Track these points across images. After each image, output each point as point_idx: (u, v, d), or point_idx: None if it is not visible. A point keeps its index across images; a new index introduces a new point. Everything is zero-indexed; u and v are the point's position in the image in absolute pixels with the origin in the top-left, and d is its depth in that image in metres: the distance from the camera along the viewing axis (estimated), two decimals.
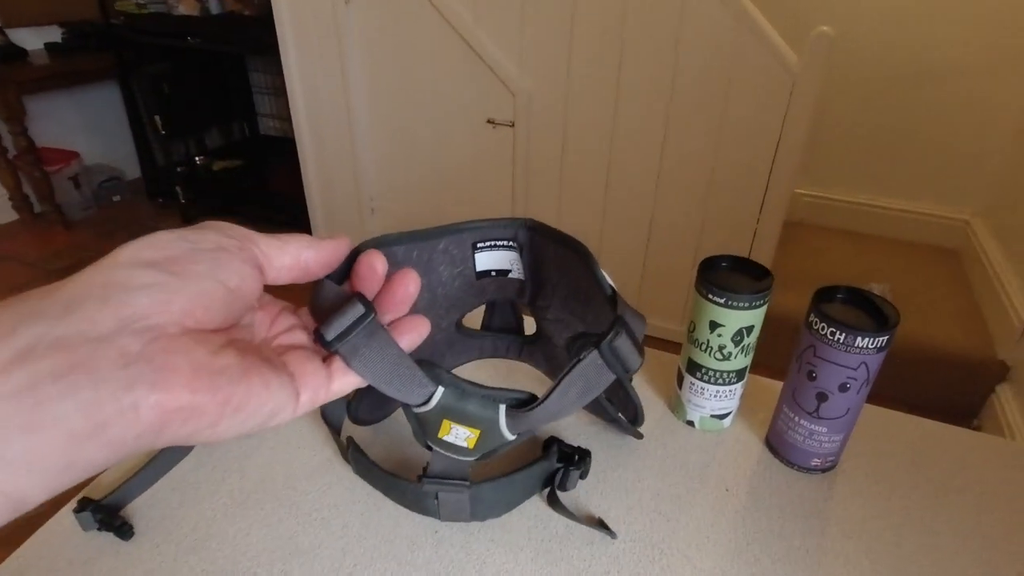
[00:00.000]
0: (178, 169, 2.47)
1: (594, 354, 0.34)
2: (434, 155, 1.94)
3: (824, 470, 0.48)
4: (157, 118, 2.33)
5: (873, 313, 0.44)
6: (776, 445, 0.50)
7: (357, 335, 0.25)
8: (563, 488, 0.45)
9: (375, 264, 0.28)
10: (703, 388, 0.50)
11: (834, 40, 1.32)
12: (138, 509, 0.44)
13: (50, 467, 0.17)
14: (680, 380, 0.52)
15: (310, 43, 1.91)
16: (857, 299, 0.45)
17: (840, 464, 0.50)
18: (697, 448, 0.51)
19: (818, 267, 1.85)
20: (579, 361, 0.34)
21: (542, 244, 0.47)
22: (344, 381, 0.26)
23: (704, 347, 0.48)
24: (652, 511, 0.45)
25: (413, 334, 0.29)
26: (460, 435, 0.36)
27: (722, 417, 0.52)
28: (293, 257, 0.26)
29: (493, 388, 0.36)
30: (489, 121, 1.78)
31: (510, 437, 0.36)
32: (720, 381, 0.49)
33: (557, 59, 1.61)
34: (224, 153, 2.69)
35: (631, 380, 0.47)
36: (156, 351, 0.19)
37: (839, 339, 0.42)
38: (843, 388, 0.43)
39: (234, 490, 0.46)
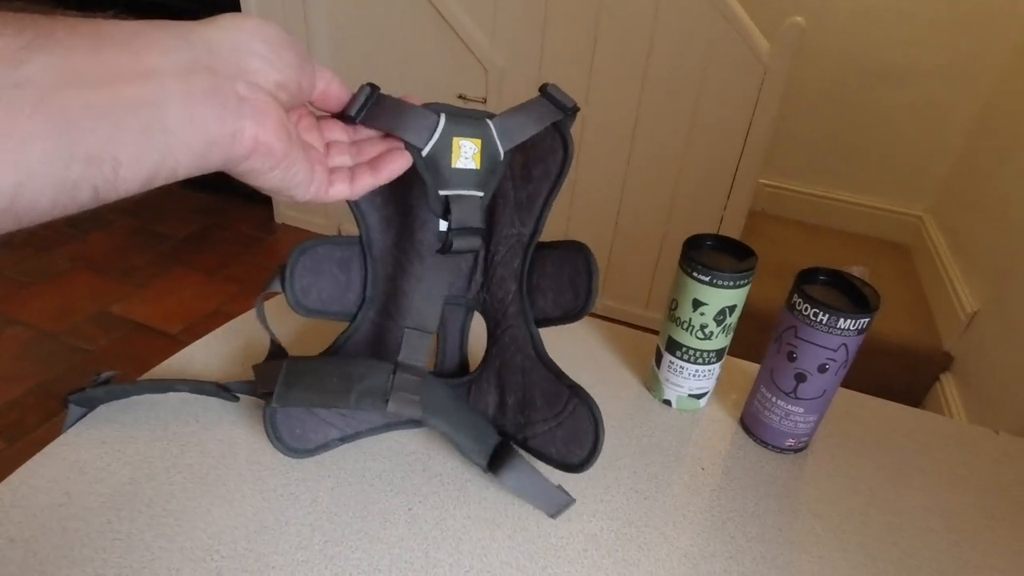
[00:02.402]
0: None
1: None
2: None
3: (797, 450, 0.49)
4: None
5: (853, 296, 0.44)
6: (751, 425, 0.50)
7: (371, 106, 0.35)
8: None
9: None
10: (682, 367, 0.50)
11: (804, 30, 1.33)
12: (85, 484, 0.41)
13: (193, 152, 0.24)
14: (659, 359, 0.52)
15: (273, 11, 1.83)
16: (838, 282, 0.45)
17: (811, 444, 0.50)
18: (673, 428, 0.51)
19: (776, 256, 1.90)
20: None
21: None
22: (338, 189, 0.33)
23: (686, 326, 0.48)
24: (629, 489, 0.45)
25: (394, 165, 0.35)
26: (468, 151, 0.38)
27: (699, 397, 0.51)
28: (326, 83, 0.33)
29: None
30: (460, 96, 1.74)
31: (503, 152, 0.39)
32: (700, 360, 0.49)
33: (531, 35, 1.58)
34: None
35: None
36: (259, 100, 0.26)
37: (821, 320, 0.42)
38: (822, 369, 0.44)
39: (193, 465, 0.43)
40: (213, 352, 0.55)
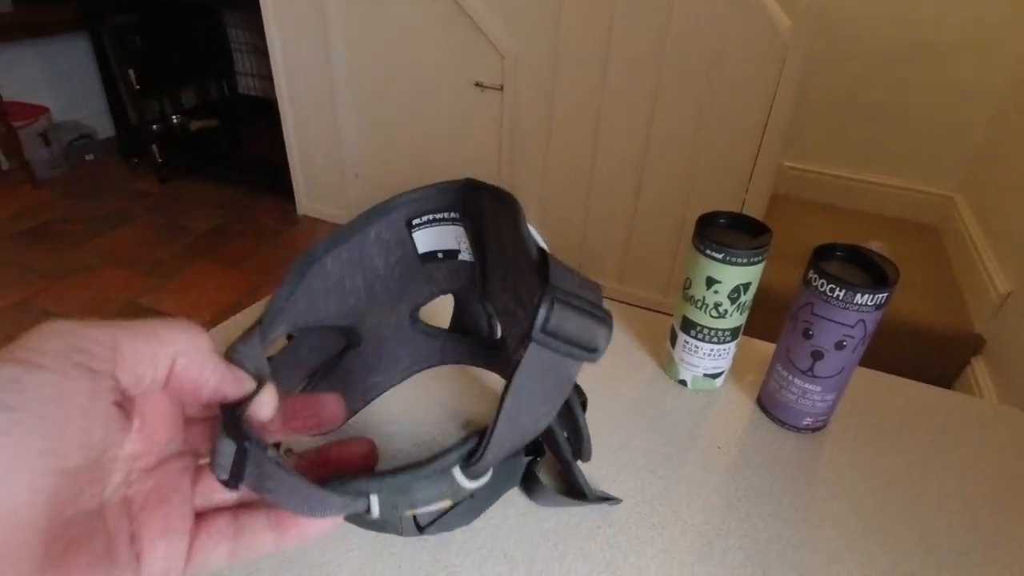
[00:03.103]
0: (153, 127, 2.39)
1: (532, 348, 0.26)
2: (419, 119, 1.89)
3: (815, 430, 0.48)
4: (131, 72, 2.23)
5: (872, 271, 0.43)
6: (768, 405, 0.49)
7: (249, 474, 0.21)
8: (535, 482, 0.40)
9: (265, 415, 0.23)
10: (697, 347, 0.49)
11: (825, 8, 1.30)
12: None
13: None
14: (673, 339, 0.51)
15: (290, 1, 1.84)
16: (856, 257, 0.44)
17: (830, 424, 0.49)
18: (688, 408, 0.51)
19: (801, 240, 1.86)
20: (517, 365, 0.26)
21: (480, 208, 0.39)
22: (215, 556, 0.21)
23: (700, 304, 0.47)
24: (643, 469, 0.45)
25: (310, 528, 0.23)
26: (433, 511, 0.31)
27: (715, 376, 0.51)
28: (167, 369, 0.19)
29: (437, 455, 0.28)
30: (477, 84, 1.74)
31: (471, 486, 0.30)
32: (715, 339, 0.48)
33: (546, 19, 1.57)
34: (201, 112, 2.60)
35: (583, 405, 0.39)
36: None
37: (838, 296, 0.41)
38: (839, 346, 0.43)
39: None
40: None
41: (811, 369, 0.45)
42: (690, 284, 0.48)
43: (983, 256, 1.59)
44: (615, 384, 0.52)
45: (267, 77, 2.16)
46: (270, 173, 2.32)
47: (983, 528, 0.42)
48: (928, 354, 1.53)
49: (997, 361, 1.42)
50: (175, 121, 2.52)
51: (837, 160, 2.02)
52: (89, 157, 2.62)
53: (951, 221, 1.87)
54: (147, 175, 2.49)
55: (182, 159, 2.51)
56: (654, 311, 0.62)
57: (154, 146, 2.39)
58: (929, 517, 0.43)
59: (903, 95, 1.83)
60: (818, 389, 0.45)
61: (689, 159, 1.59)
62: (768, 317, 0.72)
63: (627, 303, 0.62)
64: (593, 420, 0.48)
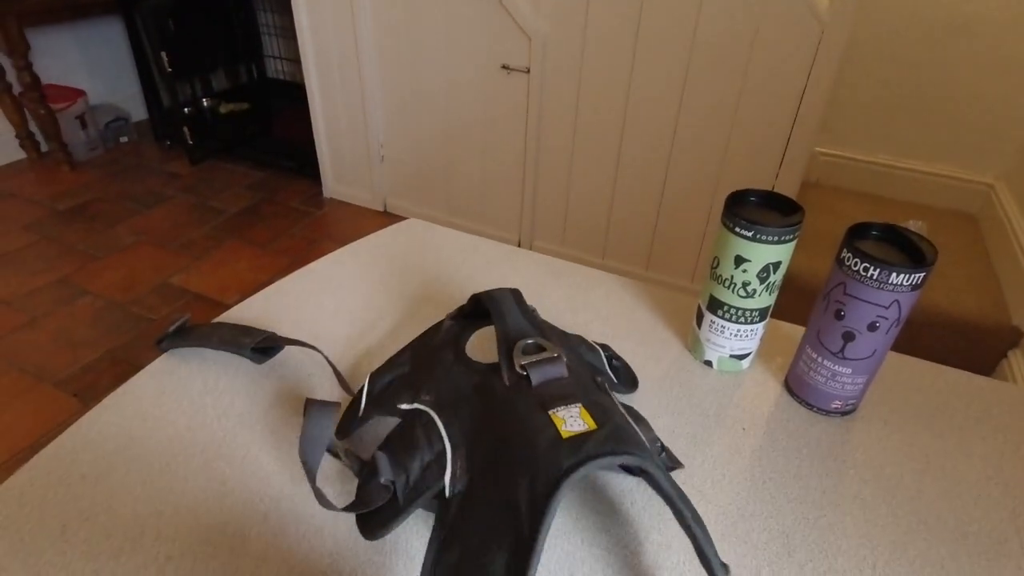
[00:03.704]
0: (185, 111, 2.43)
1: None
2: (446, 102, 1.89)
3: (844, 413, 0.47)
4: (164, 55, 2.27)
5: (908, 251, 0.42)
6: (795, 387, 0.48)
7: None
8: None
9: None
10: (724, 327, 0.48)
11: None
12: (146, 430, 0.44)
13: None
14: (700, 319, 0.51)
15: None
16: (892, 236, 0.43)
17: (860, 409, 0.48)
18: (714, 389, 0.50)
19: (833, 228, 1.82)
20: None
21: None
22: None
23: (727, 283, 0.46)
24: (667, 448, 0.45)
25: None
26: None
27: (741, 358, 0.50)
28: None
29: None
30: (504, 67, 1.72)
31: None
32: (742, 320, 0.48)
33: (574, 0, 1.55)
34: (231, 96, 2.63)
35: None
36: None
37: (872, 275, 0.40)
38: (872, 327, 0.42)
39: (243, 414, 0.45)
40: (259, 311, 0.57)
41: (842, 351, 0.44)
42: (718, 263, 0.47)
43: (1023, 247, 1.53)
44: (640, 364, 0.52)
45: (295, 60, 2.18)
46: (298, 156, 2.35)
47: (1022, 516, 0.41)
48: (964, 346, 1.49)
49: None
50: (206, 104, 2.56)
51: (872, 146, 1.96)
52: (124, 139, 2.68)
53: (991, 209, 1.80)
54: (179, 157, 2.54)
55: (212, 141, 2.55)
56: (681, 290, 0.61)
57: (186, 128, 2.43)
58: (965, 504, 0.42)
59: (944, 77, 1.77)
60: (848, 371, 0.44)
61: (719, 143, 1.56)
62: (799, 304, 0.70)
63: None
64: (621, 398, 0.48)
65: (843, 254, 0.42)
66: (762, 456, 0.44)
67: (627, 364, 0.50)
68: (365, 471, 0.38)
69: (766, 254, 0.44)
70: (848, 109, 1.90)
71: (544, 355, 0.36)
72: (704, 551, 0.30)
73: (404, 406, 0.39)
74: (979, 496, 0.42)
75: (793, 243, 0.44)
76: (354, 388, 0.47)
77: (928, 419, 0.48)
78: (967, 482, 0.43)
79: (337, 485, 0.41)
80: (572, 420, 0.31)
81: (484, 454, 0.33)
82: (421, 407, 0.38)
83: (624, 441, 0.30)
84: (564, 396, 0.33)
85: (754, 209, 0.46)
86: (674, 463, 0.43)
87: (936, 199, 1.92)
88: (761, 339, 0.51)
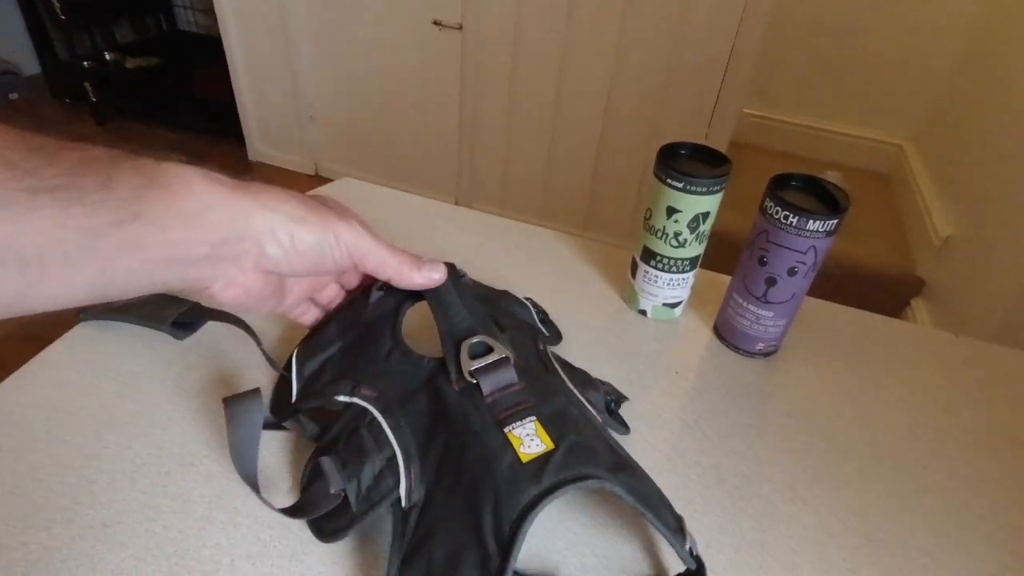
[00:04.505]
0: (85, 64, 2.23)
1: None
2: (378, 59, 1.82)
3: (767, 354, 0.51)
4: (55, 1, 2.06)
5: (826, 200, 0.45)
6: (723, 331, 0.51)
7: None
8: None
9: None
10: (657, 276, 0.51)
11: None
12: (70, 399, 0.42)
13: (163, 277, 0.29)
14: (634, 270, 0.53)
15: None
16: (811, 186, 0.46)
17: (781, 350, 0.52)
18: (649, 337, 0.52)
19: (758, 186, 1.90)
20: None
21: None
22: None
23: (660, 234, 0.48)
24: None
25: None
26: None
27: (674, 306, 0.53)
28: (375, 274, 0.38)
29: None
30: (435, 22, 1.68)
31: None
32: (674, 269, 0.50)
33: None
34: (138, 49, 2.44)
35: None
36: (243, 275, 0.33)
37: (791, 223, 0.43)
38: (792, 272, 0.45)
39: (178, 379, 0.44)
40: None
41: (765, 295, 0.46)
42: (651, 214, 0.48)
43: (927, 201, 1.66)
44: (581, 315, 0.54)
45: (209, 11, 2.03)
46: (220, 117, 2.22)
47: (923, 437, 0.46)
48: (872, 295, 1.61)
49: (935, 301, 1.51)
50: (109, 58, 2.36)
51: (798, 109, 2.04)
52: (13, 96, 2.44)
53: (900, 169, 1.93)
54: (83, 117, 2.34)
55: (121, 100, 2.36)
56: (617, 245, 0.63)
57: (87, 84, 2.23)
58: (874, 430, 0.46)
59: (865, 43, 1.85)
60: (771, 315, 0.47)
61: (652, 104, 1.59)
62: (728, 260, 0.74)
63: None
64: (562, 349, 0.50)
65: (766, 203, 0.44)
66: (694, 397, 0.47)
67: (549, 317, 0.50)
68: (308, 471, 0.36)
69: (696, 205, 0.46)
70: (777, 73, 1.97)
71: (493, 357, 0.35)
72: (673, 546, 0.32)
73: (343, 398, 0.36)
74: (886, 422, 0.47)
75: (721, 194, 0.47)
76: (281, 361, 0.45)
77: (843, 358, 0.52)
78: (875, 412, 0.48)
79: (285, 479, 0.40)
80: (529, 439, 0.31)
81: (439, 465, 0.33)
82: (362, 403, 0.36)
83: (583, 461, 0.31)
84: (518, 408, 0.33)
85: (685, 162, 0.48)
86: (620, 399, 0.44)
87: (853, 159, 2.03)
88: (692, 288, 0.53)
